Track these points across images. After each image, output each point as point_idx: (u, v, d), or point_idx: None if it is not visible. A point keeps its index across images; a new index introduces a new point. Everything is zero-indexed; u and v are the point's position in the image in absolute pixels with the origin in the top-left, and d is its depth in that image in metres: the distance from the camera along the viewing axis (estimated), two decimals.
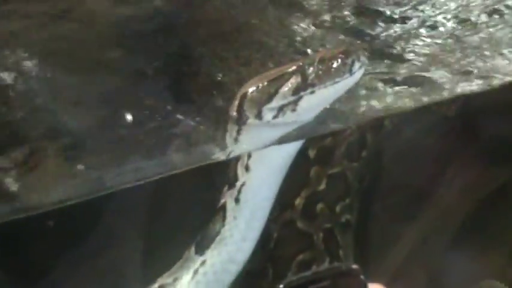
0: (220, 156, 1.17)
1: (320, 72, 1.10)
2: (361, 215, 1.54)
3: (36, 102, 1.12)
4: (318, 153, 1.49)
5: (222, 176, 1.32)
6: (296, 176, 1.44)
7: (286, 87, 1.10)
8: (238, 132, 1.15)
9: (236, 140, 1.14)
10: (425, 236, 1.87)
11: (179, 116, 1.12)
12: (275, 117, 1.12)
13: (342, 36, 1.33)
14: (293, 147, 1.21)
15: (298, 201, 1.46)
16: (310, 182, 1.48)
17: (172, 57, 1.21)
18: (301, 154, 1.41)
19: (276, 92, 1.10)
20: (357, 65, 1.09)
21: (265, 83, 1.09)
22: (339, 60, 1.10)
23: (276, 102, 1.10)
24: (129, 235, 1.55)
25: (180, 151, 1.09)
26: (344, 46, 1.16)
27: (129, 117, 1.10)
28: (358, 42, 1.28)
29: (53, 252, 1.46)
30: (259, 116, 1.12)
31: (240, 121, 1.14)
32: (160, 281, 1.25)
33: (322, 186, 1.48)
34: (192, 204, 1.57)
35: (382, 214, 1.68)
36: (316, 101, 1.11)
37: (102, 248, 1.53)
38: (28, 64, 1.14)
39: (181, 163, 1.09)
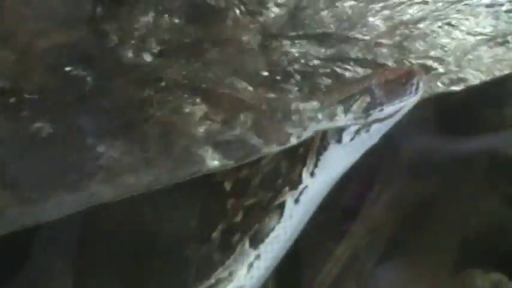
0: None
1: (388, 92, 1.20)
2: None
3: None
4: (233, 186, 1.50)
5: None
6: (213, 209, 1.51)
7: (356, 106, 1.19)
8: (316, 164, 1.28)
9: (313, 174, 1.29)
10: (356, 251, 1.89)
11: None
12: (352, 139, 1.24)
13: None
14: (350, 160, 1.32)
15: (215, 235, 1.47)
16: (227, 214, 1.48)
17: None
18: (218, 187, 1.50)
19: (348, 110, 1.20)
20: (420, 84, 1.20)
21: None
22: (406, 81, 1.20)
23: (352, 127, 1.23)
24: (58, 269, 1.57)
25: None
26: (407, 66, 1.28)
27: None
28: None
29: None
30: (339, 140, 1.25)
31: (321, 149, 1.27)
32: (216, 275, 1.33)
33: (239, 218, 1.47)
34: (121, 237, 1.60)
35: (313, 232, 1.65)
36: (387, 123, 1.24)
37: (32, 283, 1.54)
38: None
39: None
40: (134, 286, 1.59)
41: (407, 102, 1.22)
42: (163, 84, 1.26)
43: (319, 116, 1.21)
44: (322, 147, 1.27)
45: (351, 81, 1.26)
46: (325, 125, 1.22)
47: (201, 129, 1.20)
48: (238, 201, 1.47)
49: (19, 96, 1.20)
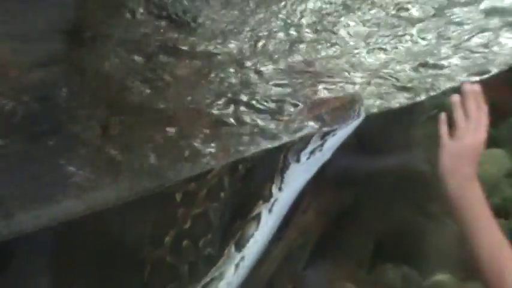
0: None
1: (336, 117, 1.23)
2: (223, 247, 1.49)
3: None
4: (183, 197, 1.52)
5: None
6: (165, 218, 1.52)
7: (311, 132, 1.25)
8: (282, 180, 1.33)
9: (280, 189, 1.34)
10: (290, 252, 1.91)
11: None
12: (308, 158, 1.30)
13: None
14: (307, 176, 1.37)
15: (167, 239, 1.49)
16: (177, 222, 1.50)
17: None
18: (169, 198, 1.52)
19: (309, 139, 1.26)
20: (362, 108, 1.25)
21: None
22: (350, 107, 1.24)
23: (309, 148, 1.27)
24: (37, 270, 1.56)
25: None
26: (349, 95, 1.30)
27: None
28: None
29: None
30: (298, 160, 1.30)
31: (284, 169, 1.32)
32: (210, 275, 1.36)
33: (188, 225, 1.51)
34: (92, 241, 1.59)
35: None
36: (337, 141, 1.28)
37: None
38: None
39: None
40: (102, 283, 1.59)
41: (354, 125, 1.25)
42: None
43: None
44: (285, 167, 1.31)
45: (307, 107, 1.29)
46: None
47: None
48: (187, 210, 1.48)
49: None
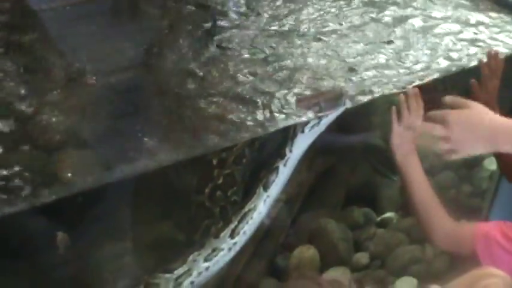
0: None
1: (329, 104, 1.23)
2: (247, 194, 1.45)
3: None
4: (217, 161, 1.51)
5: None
6: (206, 175, 1.52)
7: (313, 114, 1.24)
8: (292, 144, 1.32)
9: (291, 150, 1.33)
10: (289, 198, 1.90)
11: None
12: (310, 130, 1.31)
13: None
14: (308, 142, 1.37)
15: (207, 190, 1.49)
16: (213, 178, 1.50)
17: None
18: (208, 162, 1.50)
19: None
20: (347, 99, 1.27)
21: None
22: (338, 97, 1.25)
23: (311, 123, 1.28)
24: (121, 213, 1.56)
25: None
26: (338, 89, 1.28)
27: None
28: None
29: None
30: (303, 131, 1.31)
31: (293, 136, 1.31)
32: (247, 207, 1.34)
33: (220, 181, 1.49)
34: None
35: None
36: (328, 120, 1.30)
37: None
38: None
39: None
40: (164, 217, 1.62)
41: (340, 110, 1.26)
42: None
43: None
44: (294, 135, 1.31)
45: (309, 97, 1.27)
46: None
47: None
48: (220, 170, 1.48)
49: None
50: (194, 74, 1.28)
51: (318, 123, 1.29)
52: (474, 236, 1.23)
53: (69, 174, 1.00)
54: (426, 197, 1.31)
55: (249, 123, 1.18)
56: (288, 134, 1.33)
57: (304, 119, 1.22)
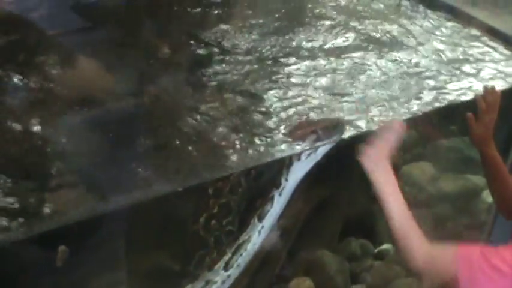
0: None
1: (327, 132, 1.22)
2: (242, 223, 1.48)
3: None
4: (213, 191, 1.51)
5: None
6: (201, 204, 1.51)
7: (310, 142, 1.22)
8: (288, 173, 1.31)
9: (287, 179, 1.32)
10: (285, 228, 1.83)
11: None
12: (306, 158, 1.30)
13: None
14: (304, 171, 1.36)
15: (201, 219, 1.49)
16: (208, 208, 1.50)
17: None
18: (204, 191, 1.49)
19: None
20: (345, 127, 1.26)
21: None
22: (337, 126, 1.24)
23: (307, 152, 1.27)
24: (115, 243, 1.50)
25: None
26: (335, 118, 1.28)
27: None
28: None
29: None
30: (299, 159, 1.30)
31: (289, 165, 1.29)
32: (241, 238, 1.35)
33: (216, 210, 1.50)
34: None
35: None
36: (326, 148, 1.29)
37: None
38: None
39: None
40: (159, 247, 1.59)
41: (337, 139, 1.24)
42: None
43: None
44: (290, 164, 1.31)
45: (305, 124, 1.26)
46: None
47: None
48: (216, 200, 1.48)
49: None
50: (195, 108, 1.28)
51: (315, 151, 1.28)
52: (456, 261, 1.12)
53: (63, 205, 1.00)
54: (402, 217, 1.16)
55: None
56: (284, 163, 1.32)
57: (299, 148, 1.21)
